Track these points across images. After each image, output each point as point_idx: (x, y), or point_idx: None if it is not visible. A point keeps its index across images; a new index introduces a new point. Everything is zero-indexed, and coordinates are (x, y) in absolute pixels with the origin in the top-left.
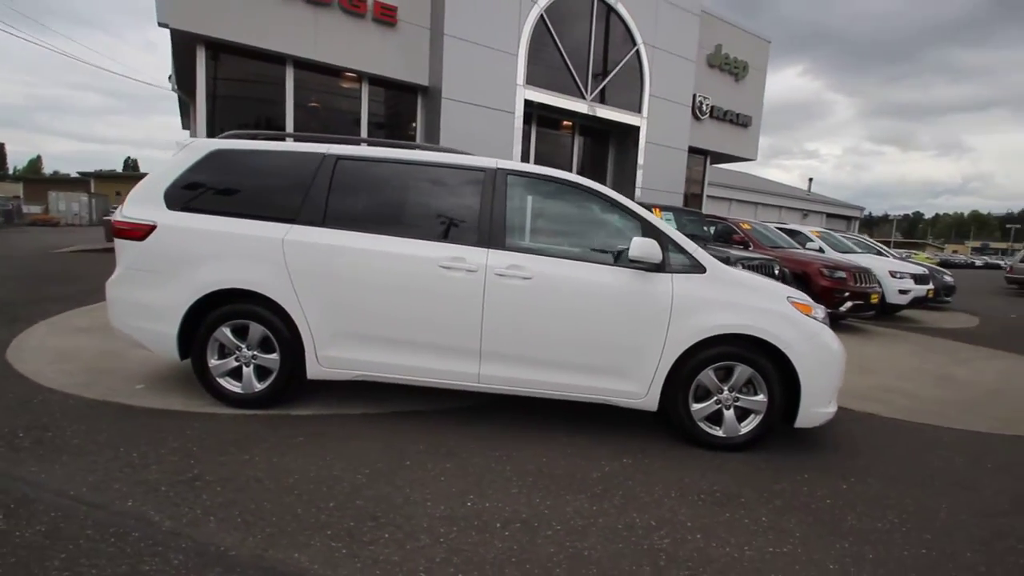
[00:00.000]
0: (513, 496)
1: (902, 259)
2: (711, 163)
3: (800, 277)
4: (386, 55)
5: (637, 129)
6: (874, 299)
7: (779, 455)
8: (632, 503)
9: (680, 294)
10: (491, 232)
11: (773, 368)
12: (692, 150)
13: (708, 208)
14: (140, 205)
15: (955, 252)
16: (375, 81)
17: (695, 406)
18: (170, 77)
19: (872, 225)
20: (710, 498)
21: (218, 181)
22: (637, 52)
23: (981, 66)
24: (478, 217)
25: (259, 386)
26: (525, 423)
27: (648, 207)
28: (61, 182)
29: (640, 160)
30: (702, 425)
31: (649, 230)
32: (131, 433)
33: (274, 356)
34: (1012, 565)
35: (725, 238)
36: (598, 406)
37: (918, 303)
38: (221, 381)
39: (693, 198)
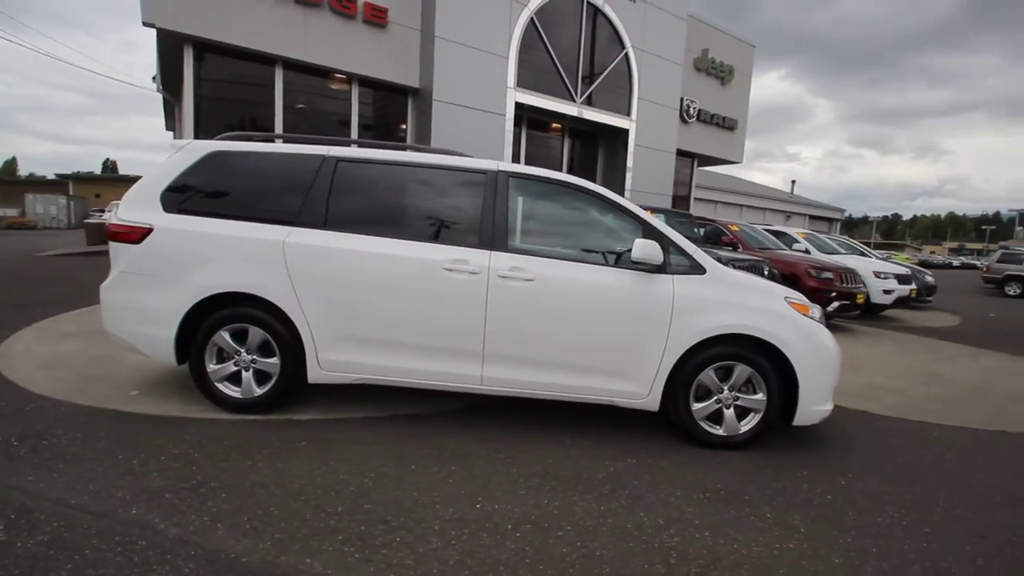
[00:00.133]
0: (521, 497)
1: (883, 260)
2: (698, 165)
3: (788, 278)
4: (377, 57)
5: (626, 132)
6: (860, 299)
7: (778, 453)
8: (639, 503)
9: (681, 295)
10: (493, 234)
11: (772, 367)
12: (680, 153)
13: (695, 210)
14: (136, 208)
15: (932, 253)
16: (365, 83)
17: (696, 405)
18: (154, 77)
19: (852, 227)
20: (715, 496)
21: (216, 183)
22: (626, 55)
23: (957, 71)
24: (480, 219)
25: (258, 391)
26: (527, 424)
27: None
28: (38, 184)
29: (629, 163)
30: (703, 424)
31: (650, 232)
32: (129, 440)
33: (274, 360)
34: (1009, 557)
35: (714, 240)
36: (597, 406)
37: (901, 303)
38: (219, 386)
39: (681, 200)
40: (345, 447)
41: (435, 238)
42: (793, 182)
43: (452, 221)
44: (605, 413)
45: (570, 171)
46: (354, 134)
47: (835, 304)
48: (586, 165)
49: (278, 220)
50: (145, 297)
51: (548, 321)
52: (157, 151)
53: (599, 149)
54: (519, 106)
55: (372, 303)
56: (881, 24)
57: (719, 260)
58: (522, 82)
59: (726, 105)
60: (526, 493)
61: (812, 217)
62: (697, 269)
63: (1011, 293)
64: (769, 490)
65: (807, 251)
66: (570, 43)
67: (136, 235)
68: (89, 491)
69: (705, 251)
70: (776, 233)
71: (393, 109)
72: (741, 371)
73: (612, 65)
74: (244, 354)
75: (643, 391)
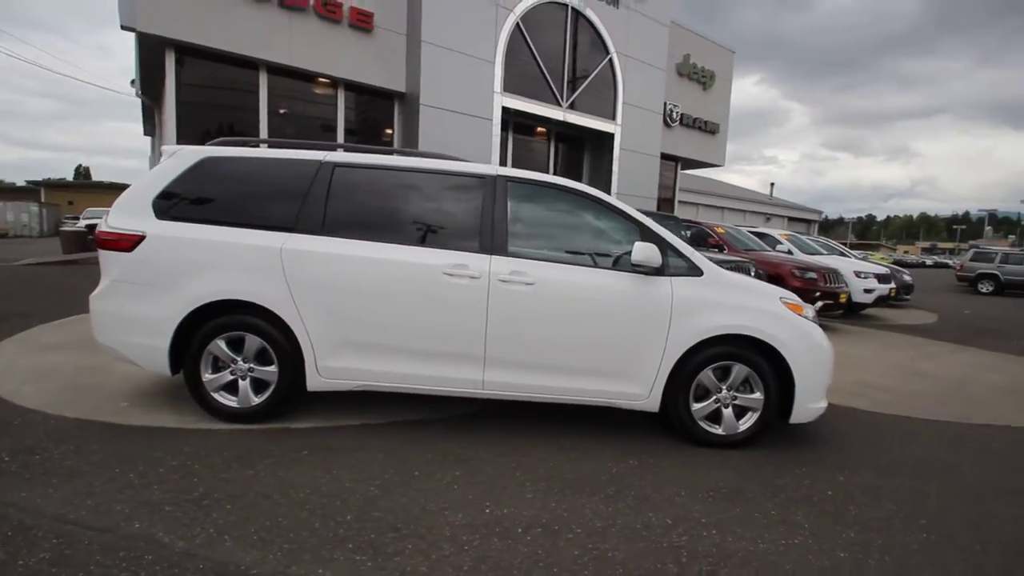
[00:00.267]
0: (529, 501)
1: (862, 260)
2: (681, 169)
3: (773, 278)
4: (363, 61)
5: (611, 136)
6: (843, 299)
7: (776, 450)
8: (646, 503)
9: (680, 297)
10: (493, 238)
11: (769, 367)
12: (664, 156)
13: (677, 213)
14: (127, 215)
15: (906, 252)
16: (351, 87)
17: (695, 405)
18: (133, 82)
19: (828, 228)
20: (718, 494)
21: (209, 190)
22: (610, 60)
23: (925, 75)
24: (479, 224)
25: (256, 399)
26: (526, 428)
27: None
28: (8, 191)
29: (614, 166)
30: (702, 424)
31: (648, 235)
32: (125, 452)
33: (272, 368)
34: (1004, 544)
35: (700, 242)
36: (591, 408)
37: (881, 301)
38: (216, 396)
39: (665, 203)
40: (347, 455)
41: (434, 243)
42: (772, 184)
43: (451, 226)
44: (600, 414)
45: (556, 175)
46: (340, 139)
47: (819, 304)
48: (572, 169)
49: (274, 226)
50: (138, 306)
51: (549, 325)
52: (133, 156)
53: (584, 153)
54: (505, 110)
55: (371, 309)
56: (852, 30)
57: None
58: (508, 87)
59: (708, 109)
60: (533, 496)
61: (791, 219)
62: (694, 271)
63: (984, 291)
64: (771, 487)
65: (790, 252)
66: (555, 48)
67: (128, 243)
68: (87, 506)
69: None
70: (759, 235)
71: (379, 114)
72: (739, 371)
73: (597, 70)
74: (241, 363)
75: (643, 392)
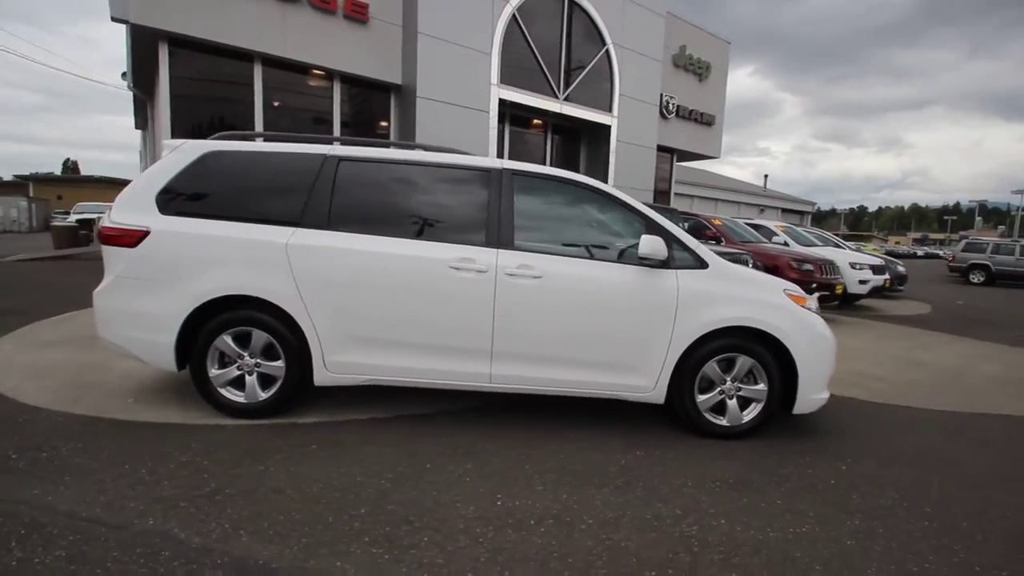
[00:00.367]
0: (540, 493)
1: (855, 251)
2: (677, 161)
3: (770, 270)
4: (358, 53)
5: (608, 127)
6: (839, 290)
7: (779, 441)
8: (654, 494)
9: (685, 289)
10: (500, 232)
11: (772, 358)
12: (660, 148)
13: (673, 204)
14: (130, 210)
15: (897, 243)
16: (347, 80)
17: (700, 397)
18: (124, 74)
19: (820, 219)
20: (725, 484)
21: (213, 184)
22: (607, 52)
23: (916, 67)
24: (486, 217)
25: (263, 395)
26: (533, 420)
27: None
28: None
29: (611, 158)
30: (707, 415)
31: (653, 228)
32: (133, 449)
33: (279, 363)
34: (1005, 532)
35: (697, 233)
36: (597, 400)
37: (875, 292)
38: (222, 391)
39: (661, 195)
40: (356, 449)
41: (440, 237)
42: (766, 176)
43: (456, 220)
44: (602, 406)
45: (553, 167)
46: (336, 131)
47: (816, 295)
48: (568, 161)
49: (279, 221)
50: (143, 302)
51: (556, 318)
52: (121, 150)
53: (581, 145)
54: (502, 102)
55: (378, 304)
56: (844, 21)
57: None
58: (505, 79)
59: (704, 101)
60: (543, 488)
61: (784, 210)
62: (700, 264)
63: (975, 281)
64: (775, 477)
65: (786, 243)
66: (552, 39)
67: (132, 238)
68: (100, 503)
69: None
70: (756, 226)
71: (376, 106)
72: (743, 362)
73: (593, 61)
74: (247, 358)
75: (649, 384)
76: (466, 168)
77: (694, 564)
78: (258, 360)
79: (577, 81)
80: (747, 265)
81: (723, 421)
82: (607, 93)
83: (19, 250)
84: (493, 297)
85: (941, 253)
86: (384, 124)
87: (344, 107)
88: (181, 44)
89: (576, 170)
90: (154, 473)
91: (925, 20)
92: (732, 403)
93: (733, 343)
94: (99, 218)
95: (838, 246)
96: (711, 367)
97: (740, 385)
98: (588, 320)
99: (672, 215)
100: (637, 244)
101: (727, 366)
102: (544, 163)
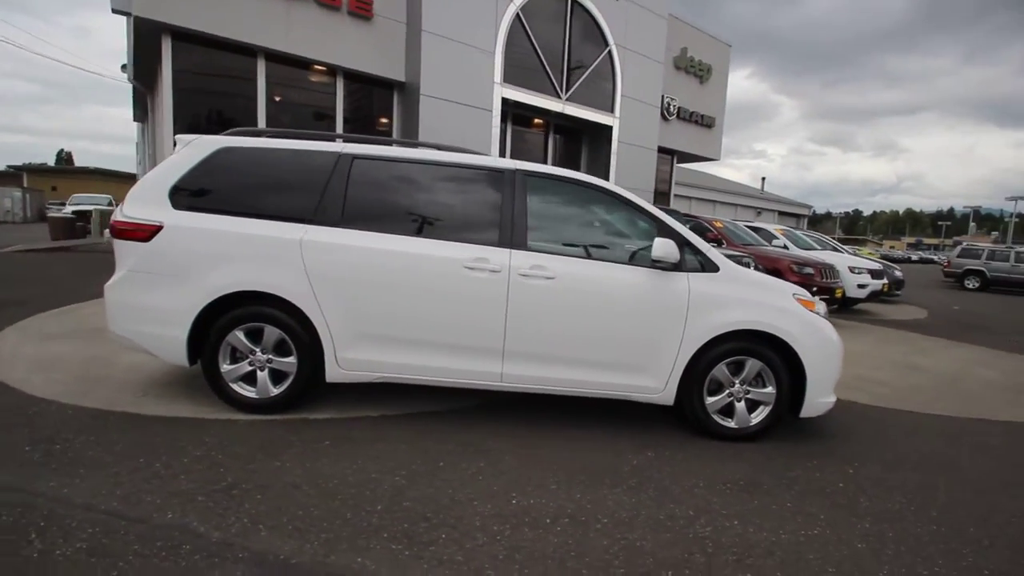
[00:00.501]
0: (554, 492)
1: (853, 255)
2: (677, 162)
3: (771, 273)
4: (362, 49)
5: (609, 128)
6: (838, 294)
7: (786, 443)
8: (666, 495)
9: (696, 292)
10: (513, 233)
11: (781, 361)
12: (660, 150)
13: (672, 206)
14: (142, 204)
15: (892, 248)
16: (350, 76)
17: (709, 399)
18: (124, 66)
19: (816, 222)
20: (735, 486)
21: (226, 180)
22: (609, 53)
23: (912, 72)
24: (499, 218)
25: (275, 390)
26: (543, 420)
27: None
28: None
29: (612, 159)
30: (716, 417)
31: (665, 231)
32: (147, 443)
33: (291, 359)
34: (1011, 538)
35: (698, 236)
36: (605, 400)
37: (873, 297)
38: (234, 386)
39: (661, 196)
40: (368, 445)
41: (453, 236)
42: (763, 179)
43: (470, 219)
44: (610, 406)
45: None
46: (339, 128)
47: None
48: (570, 161)
49: (294, 218)
50: (155, 296)
51: (568, 318)
52: (116, 142)
53: (583, 145)
54: (505, 101)
55: (391, 302)
56: (842, 25)
57: None
58: (508, 78)
59: (704, 103)
60: (557, 488)
61: (781, 213)
62: (711, 267)
63: (970, 287)
64: (784, 479)
65: (785, 247)
66: (555, 39)
67: (145, 233)
68: (117, 496)
69: None
70: (755, 229)
71: (379, 103)
72: (752, 365)
73: (596, 62)
74: (259, 353)
75: (659, 386)
76: (479, 168)
77: (709, 565)
78: (270, 356)
79: (579, 81)
80: (749, 268)
81: (731, 423)
82: (609, 94)
83: (16, 241)
84: (506, 297)
85: (936, 258)
86: (386, 121)
87: (347, 103)
88: (184, 38)
89: (577, 171)
90: (169, 467)
91: (920, 25)
92: (740, 405)
93: (742, 346)
94: (95, 210)
95: (836, 250)
96: (720, 369)
97: (749, 388)
98: (600, 321)
99: (674, 217)
100: (649, 246)
101: (736, 369)
102: (545, 163)
